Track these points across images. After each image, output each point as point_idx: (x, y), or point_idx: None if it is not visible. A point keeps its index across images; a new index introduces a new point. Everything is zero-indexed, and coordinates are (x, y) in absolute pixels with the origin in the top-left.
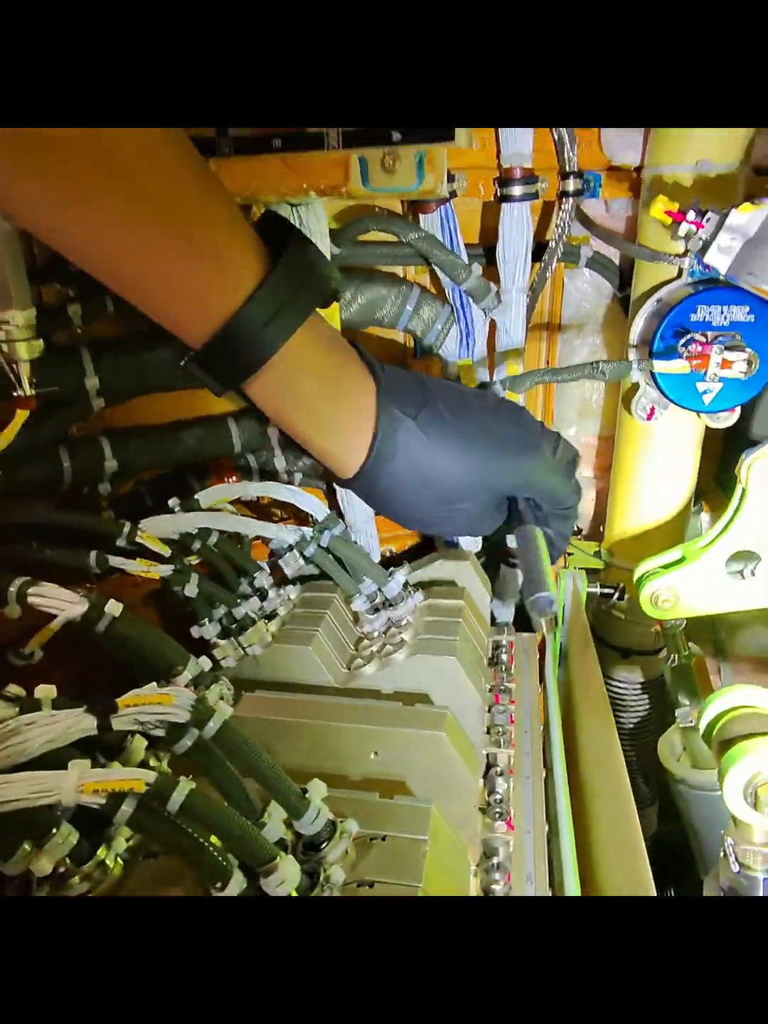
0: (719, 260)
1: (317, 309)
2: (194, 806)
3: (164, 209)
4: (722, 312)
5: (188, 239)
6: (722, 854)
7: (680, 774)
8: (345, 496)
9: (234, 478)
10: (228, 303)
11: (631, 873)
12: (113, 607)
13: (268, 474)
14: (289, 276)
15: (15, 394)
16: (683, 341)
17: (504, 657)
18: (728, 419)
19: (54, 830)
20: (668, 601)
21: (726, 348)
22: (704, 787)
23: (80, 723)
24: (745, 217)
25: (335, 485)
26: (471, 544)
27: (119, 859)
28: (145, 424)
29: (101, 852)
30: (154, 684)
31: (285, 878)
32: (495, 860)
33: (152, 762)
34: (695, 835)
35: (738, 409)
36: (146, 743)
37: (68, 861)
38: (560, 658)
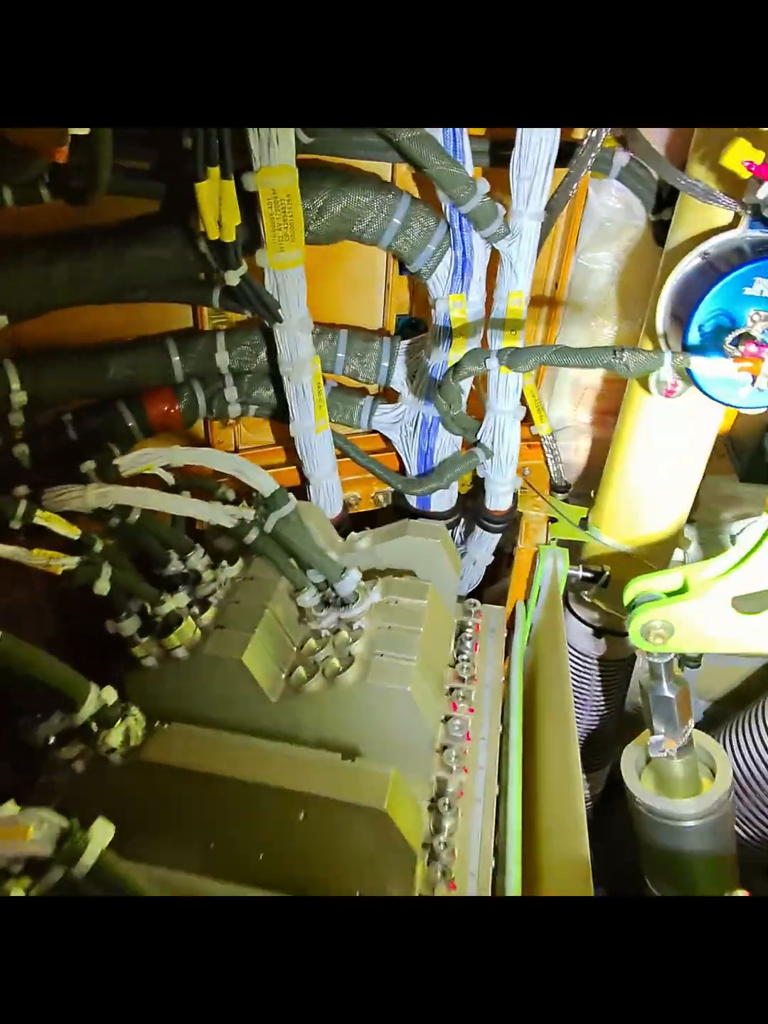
0: None
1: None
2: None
3: None
4: None
5: None
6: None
7: (639, 796)
8: (306, 446)
9: (175, 409)
10: None
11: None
12: None
13: (218, 405)
14: None
15: None
16: (732, 337)
17: (468, 644)
18: (763, 409)
19: None
20: (661, 636)
21: None
22: (660, 814)
23: None
24: None
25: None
26: (444, 502)
27: None
28: (66, 346)
29: None
30: (10, 803)
31: None
32: None
33: None
34: (643, 845)
35: None
36: None
37: None
38: (529, 636)
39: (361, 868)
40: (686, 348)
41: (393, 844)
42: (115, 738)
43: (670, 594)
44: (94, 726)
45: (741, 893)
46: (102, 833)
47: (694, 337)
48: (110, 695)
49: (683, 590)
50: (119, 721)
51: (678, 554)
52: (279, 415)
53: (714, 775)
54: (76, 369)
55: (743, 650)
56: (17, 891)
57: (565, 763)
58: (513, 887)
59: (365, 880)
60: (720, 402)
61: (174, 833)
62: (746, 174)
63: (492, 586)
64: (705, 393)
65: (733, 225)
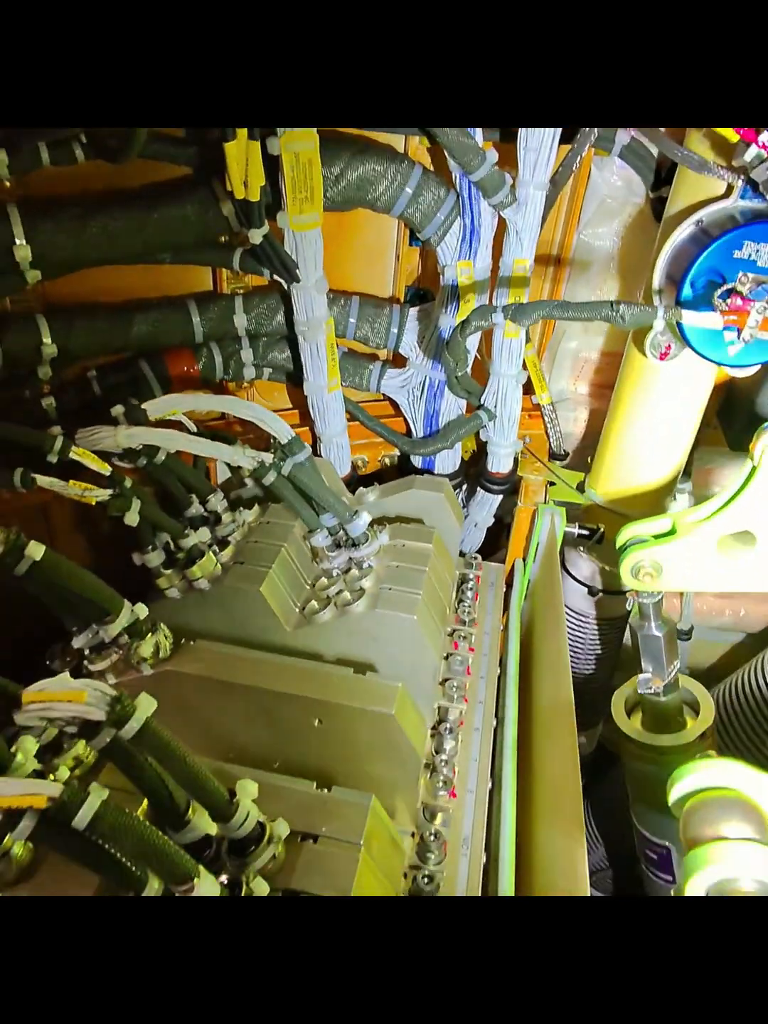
0: None
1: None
2: (104, 822)
3: None
4: None
5: None
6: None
7: (631, 734)
8: (319, 404)
9: (194, 369)
10: None
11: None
12: (34, 549)
13: (234, 366)
14: None
15: None
16: (721, 291)
17: (469, 593)
18: (751, 371)
19: None
20: (650, 575)
21: None
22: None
23: None
24: None
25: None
26: (448, 465)
27: (28, 845)
28: (94, 302)
29: (7, 841)
30: (65, 675)
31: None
32: (434, 828)
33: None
34: (633, 783)
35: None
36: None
37: None
38: (526, 591)
39: (371, 773)
40: (680, 304)
41: (400, 749)
42: (146, 649)
43: (659, 537)
44: (126, 638)
45: None
46: (147, 703)
47: (687, 292)
48: (142, 611)
49: (671, 533)
50: (150, 634)
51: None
52: (292, 378)
53: (698, 714)
54: (103, 325)
55: (725, 588)
56: (77, 751)
57: (558, 701)
58: (508, 810)
59: (375, 785)
60: (709, 359)
61: (198, 741)
62: (735, 138)
63: (492, 555)
64: (695, 350)
65: (726, 196)
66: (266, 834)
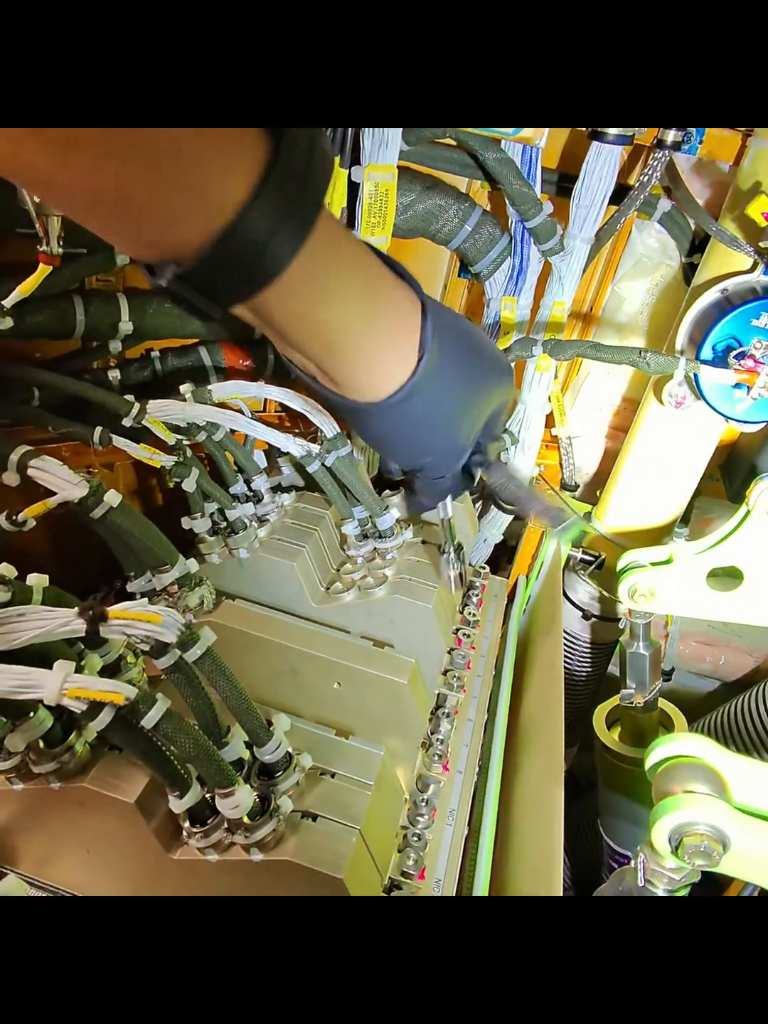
0: None
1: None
2: (167, 725)
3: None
4: None
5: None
6: (633, 865)
7: (611, 745)
8: None
9: (247, 363)
10: (236, 189)
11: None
12: (112, 497)
13: (281, 367)
14: (298, 151)
15: (41, 249)
16: (736, 353)
17: (475, 598)
18: (756, 427)
19: (31, 713)
20: (645, 596)
21: None
22: (628, 762)
23: (69, 625)
24: None
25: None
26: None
27: (87, 745)
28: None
29: (72, 738)
30: (145, 601)
31: (239, 803)
32: (425, 796)
33: (130, 658)
34: (606, 795)
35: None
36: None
37: (41, 742)
38: (526, 607)
39: (379, 737)
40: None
41: (407, 717)
42: (192, 600)
43: (656, 564)
44: (177, 588)
45: None
46: (210, 633)
47: (706, 353)
48: (193, 565)
49: (667, 562)
50: (197, 588)
51: None
52: None
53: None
54: (174, 311)
55: (711, 616)
56: (132, 674)
57: (549, 702)
58: (493, 791)
59: (381, 742)
60: (720, 413)
61: None
62: (763, 223)
63: (496, 571)
64: (708, 403)
65: (751, 270)
66: (293, 763)
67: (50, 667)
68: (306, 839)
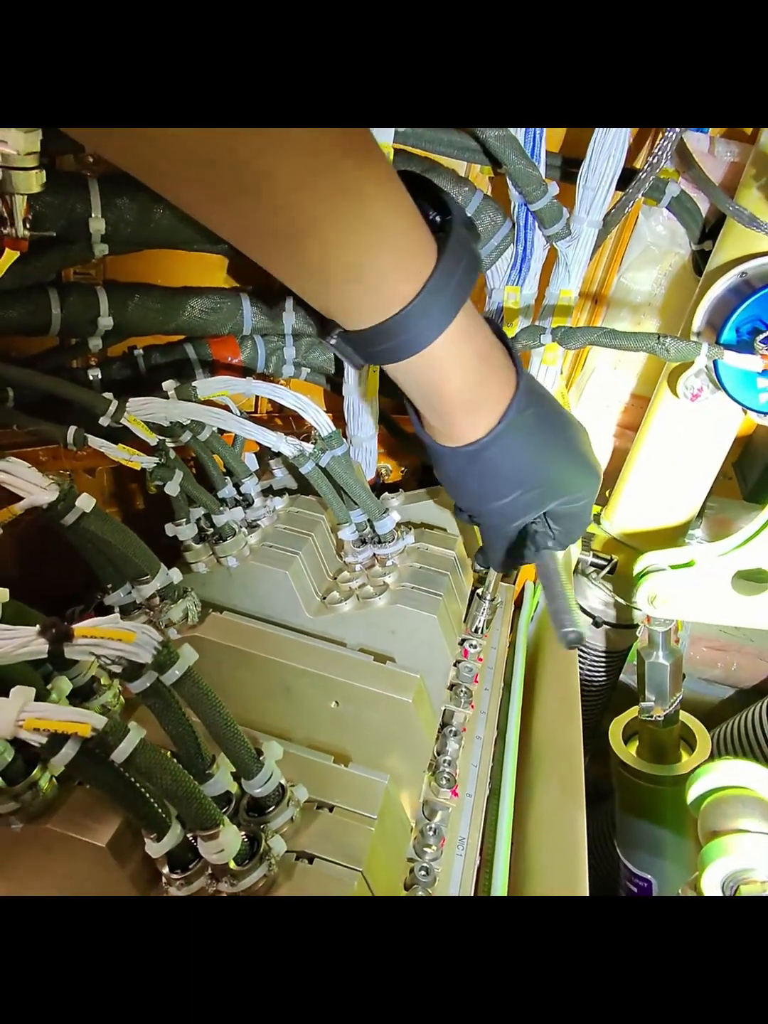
0: None
1: None
2: (141, 759)
3: (350, 186)
4: None
5: (374, 224)
6: None
7: (628, 762)
8: (353, 408)
9: (237, 359)
10: (406, 291)
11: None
12: (85, 501)
13: (275, 362)
14: (457, 257)
15: (5, 232)
16: (763, 337)
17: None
18: None
19: None
20: (666, 602)
21: None
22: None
23: (29, 645)
24: None
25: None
26: None
27: (53, 780)
28: (150, 283)
29: (36, 772)
30: (117, 616)
31: (224, 846)
32: (433, 825)
33: (104, 680)
34: (623, 815)
35: None
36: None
37: None
38: (534, 614)
39: (381, 761)
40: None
41: (412, 738)
42: (176, 613)
43: (676, 567)
44: (158, 600)
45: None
46: (190, 652)
47: (730, 336)
48: (176, 575)
49: (689, 564)
50: (180, 600)
51: None
52: (328, 381)
53: (694, 750)
54: (156, 306)
55: (735, 622)
56: (106, 698)
57: (564, 717)
58: (506, 817)
59: (383, 765)
60: (740, 403)
61: None
62: None
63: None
64: (728, 393)
65: None
66: (286, 796)
67: (7, 694)
68: (302, 885)
